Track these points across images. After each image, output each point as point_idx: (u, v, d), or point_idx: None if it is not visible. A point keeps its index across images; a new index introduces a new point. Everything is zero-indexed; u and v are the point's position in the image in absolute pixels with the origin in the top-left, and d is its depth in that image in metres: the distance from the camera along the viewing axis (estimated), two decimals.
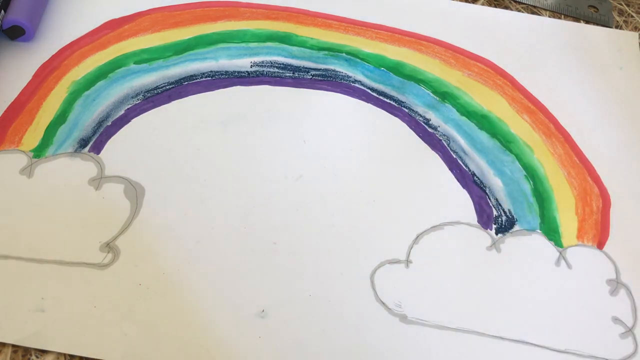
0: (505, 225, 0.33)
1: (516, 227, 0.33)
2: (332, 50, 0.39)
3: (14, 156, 0.33)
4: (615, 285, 0.32)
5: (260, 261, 0.31)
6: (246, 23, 0.39)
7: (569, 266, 0.32)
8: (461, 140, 0.36)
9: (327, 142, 0.35)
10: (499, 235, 0.33)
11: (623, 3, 0.44)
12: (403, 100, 0.37)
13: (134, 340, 0.28)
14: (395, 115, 0.37)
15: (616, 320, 0.31)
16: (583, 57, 0.41)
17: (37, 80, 0.36)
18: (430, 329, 0.30)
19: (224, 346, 0.28)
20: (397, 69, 0.38)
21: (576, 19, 0.43)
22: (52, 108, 0.35)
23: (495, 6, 0.43)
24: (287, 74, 0.37)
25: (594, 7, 0.43)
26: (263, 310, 0.29)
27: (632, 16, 0.43)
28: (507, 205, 0.34)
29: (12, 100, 0.35)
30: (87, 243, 0.30)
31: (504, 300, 0.31)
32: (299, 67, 0.38)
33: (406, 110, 0.37)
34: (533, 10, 0.43)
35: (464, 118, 0.37)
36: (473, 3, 0.43)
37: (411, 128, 0.36)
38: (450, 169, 0.35)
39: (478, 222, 0.33)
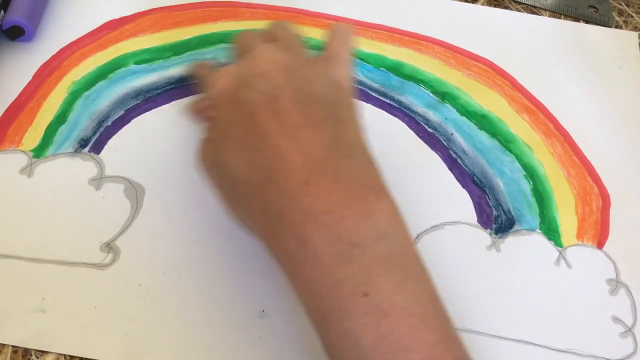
0: (505, 225, 0.33)
1: (516, 227, 0.33)
2: None
3: (14, 156, 0.33)
4: (615, 284, 0.32)
5: (260, 261, 0.31)
6: (246, 23, 0.39)
7: (568, 266, 0.32)
8: (461, 140, 0.36)
9: None
10: (499, 235, 0.33)
11: (623, 3, 0.44)
12: (403, 101, 0.37)
13: (134, 340, 0.28)
14: (395, 116, 0.37)
15: (616, 319, 0.31)
16: (583, 57, 0.41)
17: (37, 80, 0.36)
18: None
19: (224, 346, 0.28)
20: (396, 69, 0.38)
21: (576, 19, 0.43)
22: (52, 108, 0.35)
23: (495, 6, 0.43)
24: None
25: (594, 7, 0.43)
26: (263, 310, 0.29)
27: (632, 16, 0.43)
28: (506, 205, 0.34)
29: (12, 100, 0.35)
30: (87, 243, 0.30)
31: (504, 300, 0.31)
32: None
33: (406, 111, 0.37)
34: (533, 10, 0.43)
35: (463, 118, 0.37)
36: (473, 3, 0.43)
37: (411, 128, 0.36)
38: (450, 169, 0.35)
39: (478, 221, 0.33)
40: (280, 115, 0.24)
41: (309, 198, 0.23)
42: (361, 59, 0.39)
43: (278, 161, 0.24)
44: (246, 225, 0.27)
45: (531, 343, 0.30)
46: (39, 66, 0.36)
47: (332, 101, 0.26)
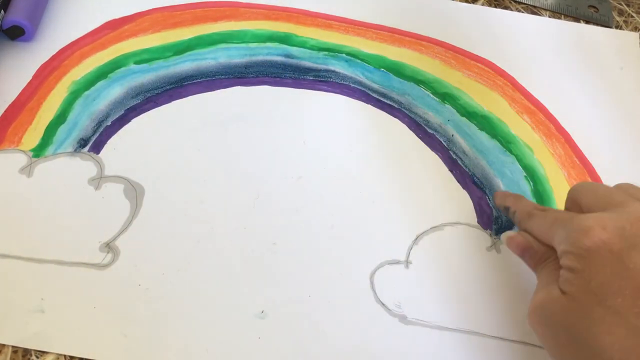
0: (505, 226, 0.33)
1: (516, 228, 0.33)
2: (332, 51, 0.39)
3: (13, 156, 0.33)
4: None
5: (260, 261, 0.31)
6: (246, 23, 0.39)
7: None
8: (461, 141, 0.36)
9: (327, 143, 0.35)
10: (499, 235, 0.33)
11: (623, 3, 0.44)
12: (403, 101, 0.37)
13: (133, 341, 0.28)
14: (395, 116, 0.37)
15: None
16: (583, 57, 0.41)
17: (37, 80, 0.36)
18: (430, 329, 0.30)
19: (224, 346, 0.28)
20: (397, 70, 0.38)
21: (576, 19, 0.43)
22: (52, 108, 0.35)
23: (495, 6, 0.43)
24: (287, 75, 0.37)
25: (594, 7, 0.43)
26: (263, 311, 0.29)
27: (632, 16, 0.43)
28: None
29: (12, 100, 0.35)
30: (87, 243, 0.30)
31: (504, 300, 0.31)
32: (299, 67, 0.38)
33: (406, 111, 0.37)
34: (533, 10, 0.43)
35: (464, 119, 0.37)
36: (473, 3, 0.43)
37: (411, 129, 0.36)
38: (450, 170, 0.35)
39: (478, 222, 0.33)
40: None
41: None
42: (361, 60, 0.39)
43: None
44: None
45: (531, 344, 0.30)
46: (39, 66, 0.36)
47: None
